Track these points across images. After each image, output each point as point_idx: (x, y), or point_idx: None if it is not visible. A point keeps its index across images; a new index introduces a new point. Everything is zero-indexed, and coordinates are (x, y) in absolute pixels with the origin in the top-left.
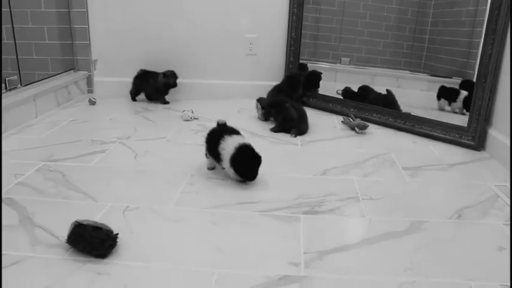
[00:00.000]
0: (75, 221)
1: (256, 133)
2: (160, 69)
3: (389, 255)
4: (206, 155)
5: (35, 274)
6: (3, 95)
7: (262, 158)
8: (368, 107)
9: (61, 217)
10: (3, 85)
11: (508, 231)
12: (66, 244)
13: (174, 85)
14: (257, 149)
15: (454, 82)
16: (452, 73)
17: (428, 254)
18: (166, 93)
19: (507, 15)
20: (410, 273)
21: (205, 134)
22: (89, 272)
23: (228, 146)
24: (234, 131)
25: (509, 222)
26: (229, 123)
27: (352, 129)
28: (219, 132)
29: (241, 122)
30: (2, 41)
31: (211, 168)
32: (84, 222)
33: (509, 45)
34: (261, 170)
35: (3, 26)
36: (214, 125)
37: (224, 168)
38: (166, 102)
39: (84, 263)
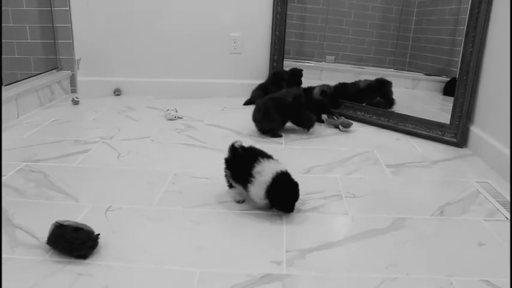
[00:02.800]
0: (56, 222)
1: (241, 132)
2: (142, 69)
3: (371, 253)
4: (230, 184)
5: (15, 276)
6: None
7: None
8: (352, 105)
9: (42, 218)
10: None
11: (488, 227)
12: (47, 245)
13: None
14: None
15: (442, 80)
16: (437, 71)
17: (410, 250)
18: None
19: (487, 13)
20: (392, 270)
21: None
22: (70, 273)
23: (265, 172)
24: (263, 154)
25: (489, 218)
26: (213, 122)
27: (336, 127)
28: (249, 155)
29: (226, 121)
30: None
31: (241, 201)
32: (65, 223)
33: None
34: None
35: None
36: (200, 124)
37: (249, 192)
38: (321, 121)
39: (65, 264)
